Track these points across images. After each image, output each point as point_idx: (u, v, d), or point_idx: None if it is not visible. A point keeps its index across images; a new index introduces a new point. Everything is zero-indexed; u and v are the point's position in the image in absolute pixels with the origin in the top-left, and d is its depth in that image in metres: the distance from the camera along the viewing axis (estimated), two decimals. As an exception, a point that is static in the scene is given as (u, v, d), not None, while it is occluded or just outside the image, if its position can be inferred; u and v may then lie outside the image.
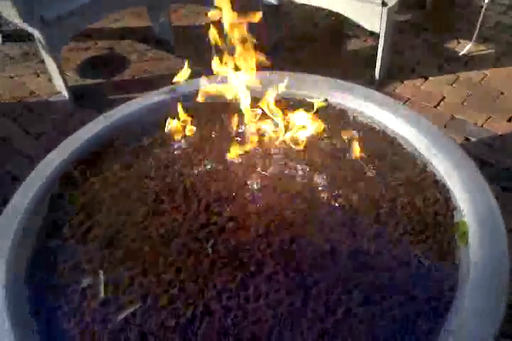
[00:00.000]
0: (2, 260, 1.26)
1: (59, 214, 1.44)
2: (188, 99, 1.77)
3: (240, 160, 1.55)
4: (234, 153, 1.54)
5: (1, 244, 1.30)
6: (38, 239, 1.38)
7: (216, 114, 1.73)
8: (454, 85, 2.67)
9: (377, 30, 2.48)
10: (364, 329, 1.12)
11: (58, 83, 2.75)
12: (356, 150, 1.51)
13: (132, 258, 1.31)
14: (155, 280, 1.25)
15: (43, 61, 2.79)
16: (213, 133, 1.67)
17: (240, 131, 1.65)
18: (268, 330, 1.13)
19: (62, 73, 2.65)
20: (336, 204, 1.39)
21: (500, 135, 2.35)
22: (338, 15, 2.57)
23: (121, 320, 1.18)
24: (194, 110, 1.71)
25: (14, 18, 2.53)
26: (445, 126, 2.41)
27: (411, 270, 1.23)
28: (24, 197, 1.43)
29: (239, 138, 1.62)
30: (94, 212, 1.44)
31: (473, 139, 2.34)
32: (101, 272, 1.29)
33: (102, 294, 1.24)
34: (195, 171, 1.53)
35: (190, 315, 1.17)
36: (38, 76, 2.96)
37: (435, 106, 2.55)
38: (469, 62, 2.81)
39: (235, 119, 1.64)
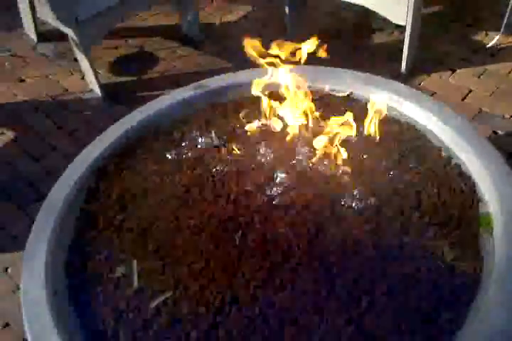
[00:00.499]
0: (43, 248, 1.33)
1: (95, 206, 1.51)
2: (217, 95, 1.82)
3: (269, 155, 1.58)
4: (264, 147, 1.57)
5: (42, 231, 1.37)
6: (76, 229, 1.44)
7: (245, 110, 1.76)
8: (481, 78, 2.65)
9: (403, 23, 2.48)
10: (388, 318, 1.15)
11: (91, 81, 2.84)
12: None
13: (164, 248, 1.36)
14: (186, 270, 1.30)
15: (75, 60, 2.88)
16: (241, 128, 1.71)
17: (270, 125, 1.68)
18: (294, 318, 1.17)
19: (94, 71, 2.73)
20: (363, 197, 1.42)
21: (529, 127, 2.34)
22: (364, 9, 2.58)
23: (153, 308, 1.24)
24: (224, 105, 1.76)
25: (50, 19, 2.62)
26: (472, 119, 2.40)
27: (436, 261, 1.25)
28: (62, 189, 1.50)
29: (268, 133, 1.66)
30: (128, 205, 1.50)
31: (500, 132, 2.33)
32: (134, 262, 1.35)
33: (135, 283, 1.30)
34: (224, 165, 1.58)
35: (219, 303, 1.22)
36: (71, 74, 3.04)
37: (462, 99, 2.54)
38: (497, 55, 2.78)
39: (265, 114, 1.67)
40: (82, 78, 2.94)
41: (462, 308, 1.14)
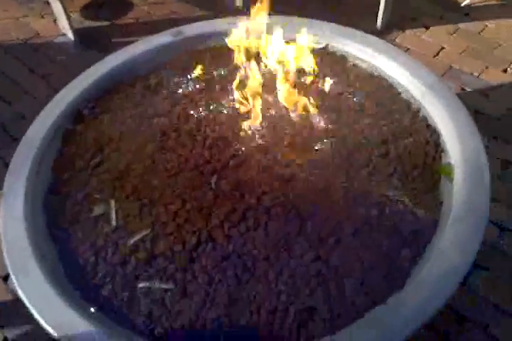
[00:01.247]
0: (22, 187, 1.35)
1: (72, 148, 1.53)
2: (194, 42, 1.82)
3: (244, 102, 1.62)
4: (239, 95, 1.60)
5: (20, 172, 1.39)
6: (53, 170, 1.47)
7: (222, 58, 1.78)
8: (454, 35, 2.70)
9: (381, -22, 2.49)
10: (353, 256, 1.24)
11: (63, 24, 2.76)
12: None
13: (141, 190, 1.41)
14: (163, 210, 1.35)
15: (47, 2, 2.79)
16: (219, 75, 1.73)
17: (245, 73, 1.70)
18: (266, 255, 1.25)
19: (67, 15, 2.66)
20: (334, 145, 1.48)
21: (495, 86, 2.41)
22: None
23: (132, 244, 1.30)
24: (200, 52, 1.77)
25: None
26: (443, 76, 2.46)
27: (399, 206, 1.34)
28: (38, 130, 1.51)
29: (243, 82, 1.68)
30: (105, 147, 1.53)
31: (468, 89, 2.40)
32: (112, 201, 1.39)
33: (113, 221, 1.35)
34: (201, 111, 1.61)
35: (196, 241, 1.28)
36: (43, 17, 2.96)
37: (434, 56, 2.59)
38: (470, 13, 2.82)
39: (240, 62, 1.69)
40: (54, 22, 2.87)
41: (420, 247, 1.23)
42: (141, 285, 1.22)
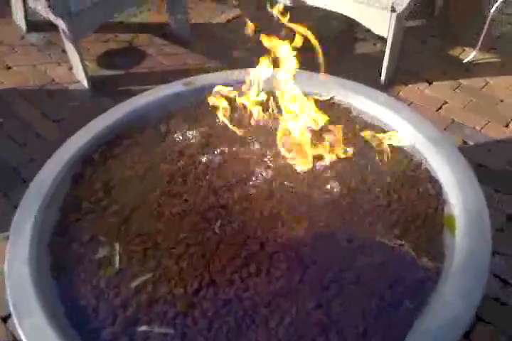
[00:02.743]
0: (29, 229, 1.38)
1: (80, 192, 1.56)
2: (203, 92, 1.89)
3: (250, 150, 1.66)
4: (245, 144, 1.65)
5: (28, 214, 1.41)
6: (61, 212, 1.49)
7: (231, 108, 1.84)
8: (456, 91, 2.78)
9: (385, 35, 2.59)
10: (354, 304, 1.24)
11: (78, 72, 2.87)
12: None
13: (146, 233, 1.43)
14: (166, 254, 1.37)
15: (64, 51, 2.92)
16: (225, 126, 1.78)
17: (251, 123, 1.76)
18: (267, 301, 1.25)
19: (82, 63, 2.77)
20: (337, 194, 1.51)
21: (497, 140, 2.46)
22: (350, 19, 2.69)
23: (133, 288, 1.30)
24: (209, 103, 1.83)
25: (41, 9, 2.66)
26: (445, 129, 2.52)
27: (401, 256, 1.35)
28: (49, 173, 1.55)
29: (249, 130, 1.73)
30: (112, 191, 1.56)
31: (471, 143, 2.45)
32: (116, 245, 1.41)
33: (116, 264, 1.36)
34: (207, 158, 1.65)
35: (197, 286, 1.29)
36: (59, 65, 3.08)
37: (437, 110, 2.66)
38: (472, 70, 2.92)
39: (247, 113, 1.75)
40: (70, 69, 2.98)
41: (422, 298, 1.23)
42: (141, 329, 1.21)
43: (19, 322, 1.18)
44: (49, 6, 2.56)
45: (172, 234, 1.42)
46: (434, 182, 1.54)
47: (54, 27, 2.76)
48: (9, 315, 1.80)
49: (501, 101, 2.70)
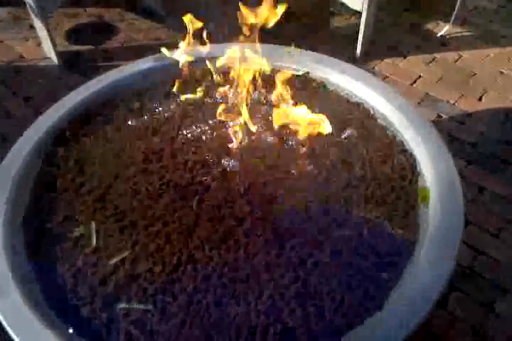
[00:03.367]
0: (1, 208, 1.35)
1: (53, 170, 1.54)
2: (176, 67, 1.86)
3: (226, 126, 1.65)
4: (221, 118, 1.64)
5: (0, 193, 1.39)
6: (34, 191, 1.47)
7: (204, 83, 1.82)
8: (430, 65, 2.79)
9: (360, 9, 2.58)
10: (332, 277, 1.26)
11: (47, 48, 2.80)
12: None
13: (122, 211, 1.42)
14: (143, 232, 1.36)
15: (32, 26, 2.83)
16: (200, 100, 1.77)
17: (227, 98, 1.75)
18: (245, 276, 1.26)
19: (51, 38, 2.70)
20: (313, 169, 1.51)
21: (471, 113, 2.49)
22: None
23: (111, 265, 1.30)
24: (182, 77, 1.80)
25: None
26: (419, 103, 2.54)
27: (377, 228, 1.37)
28: (20, 152, 1.51)
29: (225, 106, 1.72)
30: (87, 169, 1.54)
31: (444, 116, 2.48)
32: (93, 223, 1.39)
33: (93, 242, 1.35)
34: (183, 134, 1.63)
35: (176, 262, 1.29)
36: (27, 40, 2.99)
37: (411, 84, 2.67)
38: (446, 44, 2.93)
39: (222, 88, 1.74)
40: (39, 45, 2.90)
41: (398, 268, 1.26)
42: (120, 306, 1.21)
43: (-4, 302, 1.17)
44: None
45: (149, 211, 1.41)
46: (408, 155, 1.55)
47: (20, 1, 2.66)
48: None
49: (474, 74, 2.73)
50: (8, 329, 1.13)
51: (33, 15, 2.65)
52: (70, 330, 1.17)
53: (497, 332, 1.71)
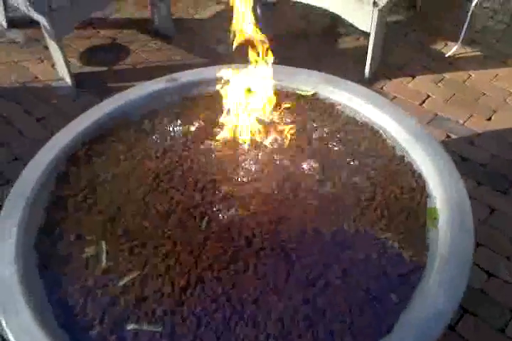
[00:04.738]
0: (14, 228, 1.37)
1: (65, 190, 1.56)
2: (188, 88, 1.89)
3: (234, 147, 1.67)
4: (229, 141, 1.66)
5: (13, 213, 1.41)
6: (46, 211, 1.49)
7: (214, 104, 1.84)
8: (439, 85, 2.81)
9: (368, 30, 2.61)
10: (341, 299, 1.25)
11: (61, 69, 2.85)
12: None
13: (132, 231, 1.43)
14: (153, 252, 1.37)
15: (46, 47, 2.89)
16: (209, 122, 1.79)
17: (234, 120, 1.76)
18: (255, 298, 1.26)
19: (65, 60, 2.75)
20: (322, 190, 1.52)
21: (480, 133, 2.49)
22: (332, 14, 2.70)
23: (121, 286, 1.30)
24: (194, 99, 1.83)
25: (21, 5, 2.63)
26: (428, 123, 2.54)
27: (386, 249, 1.36)
28: (33, 172, 1.54)
29: (233, 127, 1.74)
30: (98, 190, 1.56)
31: (454, 136, 2.48)
32: (103, 243, 1.41)
33: (104, 263, 1.36)
34: (192, 155, 1.65)
35: (185, 283, 1.29)
36: (42, 62, 3.05)
37: (420, 104, 2.68)
38: (455, 63, 2.95)
39: (231, 109, 1.75)
40: (52, 66, 2.95)
41: (407, 291, 1.25)
42: (129, 327, 1.22)
43: (6, 322, 1.18)
44: (30, 2, 2.53)
45: (159, 231, 1.42)
46: (417, 175, 1.56)
47: (35, 23, 2.72)
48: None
49: (484, 94, 2.73)
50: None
51: (47, 37, 2.71)
52: (80, 351, 1.17)
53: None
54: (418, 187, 1.52)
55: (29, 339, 1.16)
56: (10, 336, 1.16)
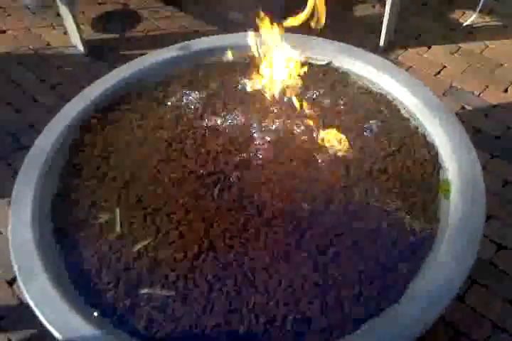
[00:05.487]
0: (30, 194, 1.40)
1: (79, 158, 1.57)
2: (201, 56, 1.88)
3: (248, 115, 1.66)
4: (242, 109, 1.65)
5: (28, 179, 1.43)
6: (61, 178, 1.51)
7: (228, 72, 1.83)
8: (455, 55, 2.75)
9: (385, -3, 2.55)
10: (351, 268, 1.27)
11: (74, 36, 2.83)
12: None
13: (145, 199, 1.45)
14: (166, 219, 1.39)
15: (58, 14, 2.86)
16: (223, 89, 1.78)
17: (249, 88, 1.75)
18: (265, 265, 1.28)
19: (77, 26, 2.73)
20: (335, 159, 1.52)
21: (495, 105, 2.46)
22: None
23: (135, 252, 1.33)
24: (207, 66, 1.82)
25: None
26: (444, 94, 2.51)
27: (397, 220, 1.37)
28: (48, 140, 1.55)
29: (247, 95, 1.73)
30: (111, 157, 1.57)
31: (469, 108, 2.45)
32: (117, 209, 1.43)
33: (118, 229, 1.39)
34: (205, 123, 1.65)
35: (197, 250, 1.32)
36: (54, 28, 3.03)
37: (435, 75, 2.64)
38: (472, 33, 2.88)
39: (245, 77, 1.75)
40: (65, 33, 2.93)
41: (417, 261, 1.27)
42: (143, 291, 1.25)
43: (24, 285, 1.22)
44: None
45: (171, 199, 1.44)
46: (430, 147, 1.55)
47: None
48: (15, 279, 1.84)
49: (501, 65, 2.68)
50: (36, 310, 1.18)
51: (59, 3, 2.68)
52: (95, 313, 1.21)
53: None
54: (431, 158, 1.51)
55: (46, 301, 1.19)
56: (28, 299, 1.20)
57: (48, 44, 2.92)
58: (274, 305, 1.21)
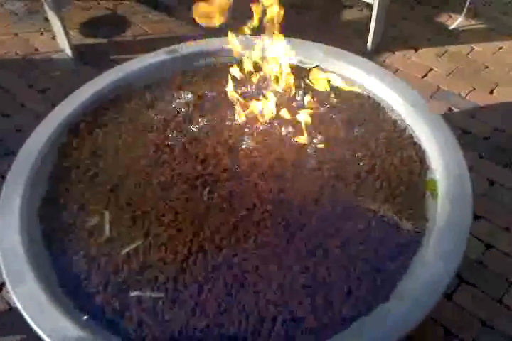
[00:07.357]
0: (18, 198, 1.39)
1: (67, 161, 1.57)
2: (189, 60, 1.88)
3: (236, 119, 1.67)
4: (230, 112, 1.66)
5: (16, 183, 1.43)
6: (49, 182, 1.51)
7: (215, 76, 1.84)
8: (442, 58, 2.78)
9: (371, 1, 2.57)
10: (340, 267, 1.28)
11: (62, 41, 2.83)
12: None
13: (135, 202, 1.45)
14: (155, 222, 1.39)
15: (47, 19, 2.86)
16: (211, 93, 1.78)
17: (237, 92, 1.76)
18: (255, 267, 1.28)
19: (66, 31, 2.73)
20: (323, 161, 1.53)
21: (482, 106, 2.48)
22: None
23: (124, 255, 1.33)
24: (195, 70, 1.83)
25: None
26: (431, 96, 2.53)
27: (385, 220, 1.38)
28: (35, 144, 1.55)
29: (235, 99, 1.73)
30: (100, 161, 1.57)
31: (456, 109, 2.47)
32: (106, 213, 1.43)
33: (107, 232, 1.39)
34: (194, 127, 1.66)
35: (187, 252, 1.32)
36: (42, 34, 3.02)
37: (423, 77, 2.67)
38: (458, 36, 2.92)
39: (233, 81, 1.75)
40: (53, 38, 2.93)
41: (406, 260, 1.28)
42: (132, 294, 1.25)
43: (13, 289, 1.21)
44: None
45: (160, 202, 1.44)
46: (417, 148, 1.56)
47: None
48: (3, 284, 1.83)
49: (486, 67, 2.71)
50: (25, 314, 1.17)
51: (47, 9, 2.68)
52: (85, 317, 1.20)
53: (505, 324, 1.72)
54: (418, 159, 1.53)
55: (35, 305, 1.19)
56: (17, 303, 1.19)
57: (36, 49, 2.91)
58: (264, 306, 1.21)
